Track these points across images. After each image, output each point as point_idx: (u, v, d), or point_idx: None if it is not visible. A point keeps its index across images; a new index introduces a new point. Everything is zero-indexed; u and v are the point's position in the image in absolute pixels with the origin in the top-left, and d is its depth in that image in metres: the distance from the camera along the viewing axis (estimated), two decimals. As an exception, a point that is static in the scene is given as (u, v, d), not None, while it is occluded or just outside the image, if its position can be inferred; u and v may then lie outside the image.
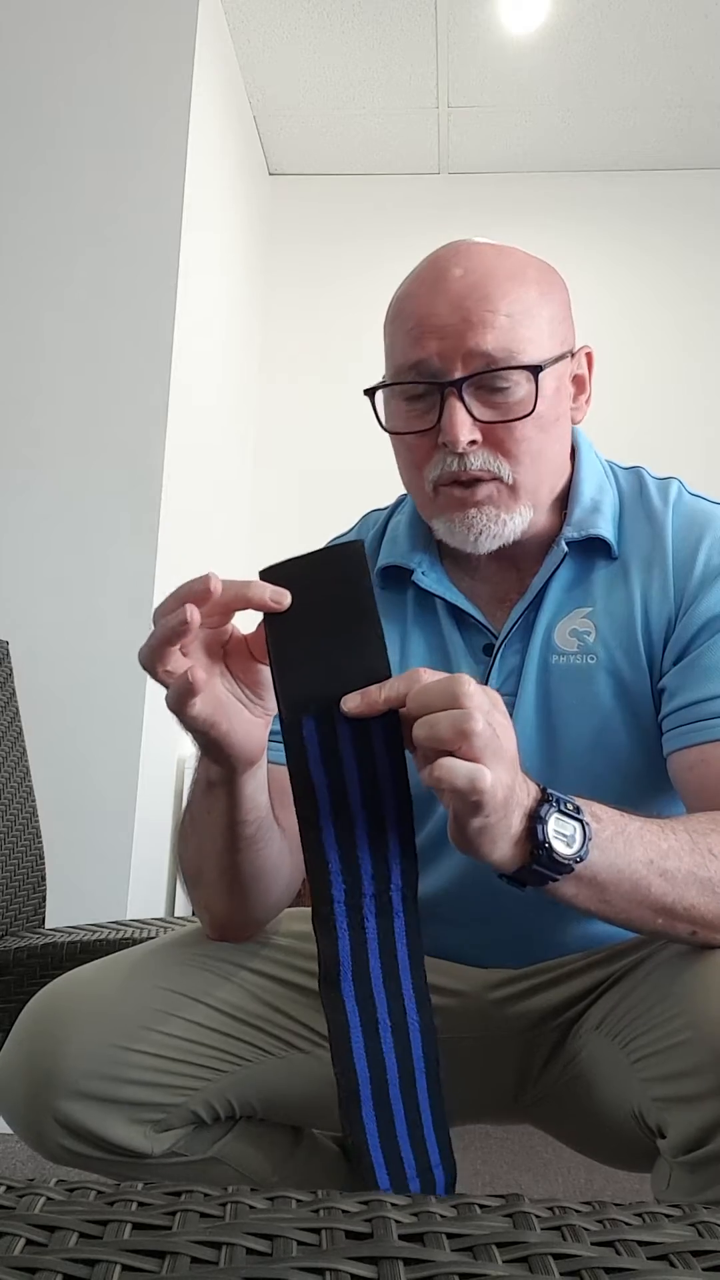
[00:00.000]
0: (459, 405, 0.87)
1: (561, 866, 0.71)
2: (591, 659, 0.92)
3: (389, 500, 1.09)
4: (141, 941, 1.38)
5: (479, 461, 0.88)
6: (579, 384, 0.96)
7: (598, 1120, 0.90)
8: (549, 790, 0.72)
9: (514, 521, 0.91)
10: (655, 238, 3.44)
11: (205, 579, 0.68)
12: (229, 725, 0.73)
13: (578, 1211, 0.36)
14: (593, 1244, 0.34)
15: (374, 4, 2.87)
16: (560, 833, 0.71)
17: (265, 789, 0.81)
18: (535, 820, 0.70)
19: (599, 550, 0.95)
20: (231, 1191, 0.36)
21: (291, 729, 0.68)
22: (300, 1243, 0.33)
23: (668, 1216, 0.36)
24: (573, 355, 0.95)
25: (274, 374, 3.50)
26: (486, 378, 0.87)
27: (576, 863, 0.71)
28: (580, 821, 0.72)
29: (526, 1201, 0.37)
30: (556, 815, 0.71)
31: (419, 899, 0.72)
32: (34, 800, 1.76)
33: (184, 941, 0.95)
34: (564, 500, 0.97)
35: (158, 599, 2.47)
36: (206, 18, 2.75)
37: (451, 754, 0.65)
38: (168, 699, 0.71)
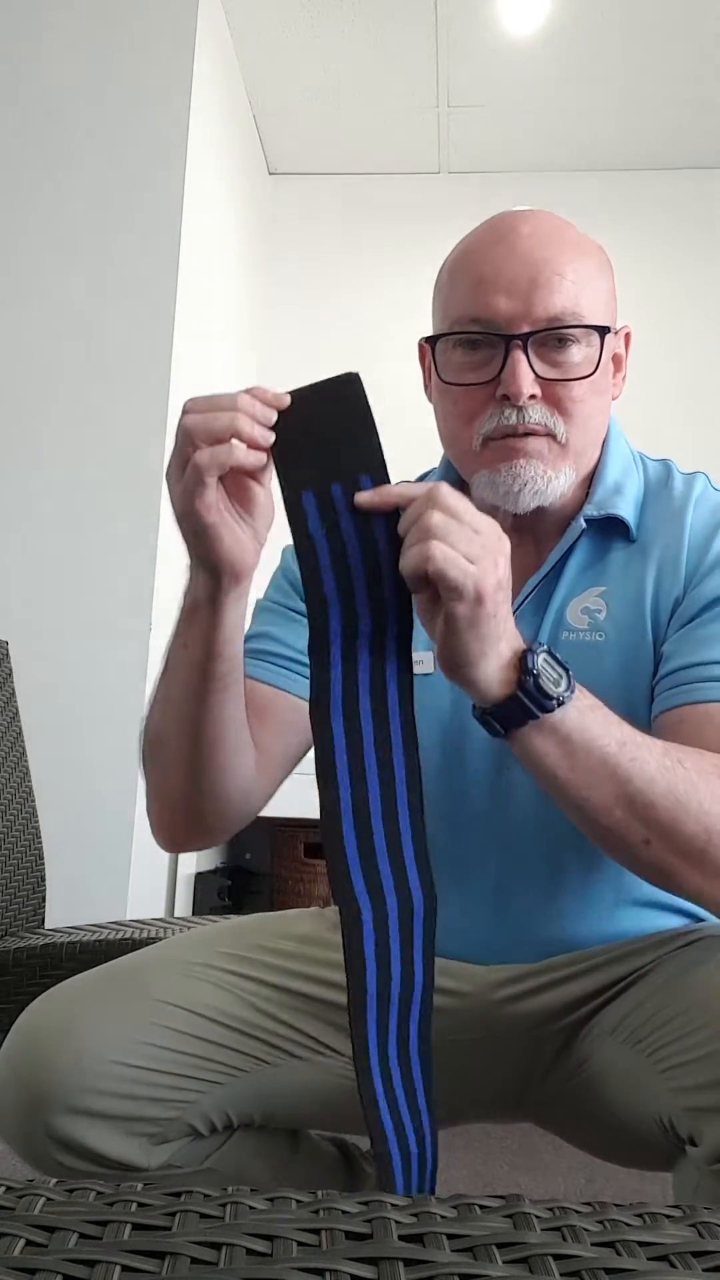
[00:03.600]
0: (523, 358, 0.88)
1: (547, 701, 0.73)
2: (600, 636, 0.93)
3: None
4: (141, 942, 1.38)
5: (536, 415, 0.89)
6: (616, 362, 0.98)
7: (612, 1124, 0.90)
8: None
9: (558, 480, 0.91)
10: (656, 237, 3.44)
11: (260, 396, 0.72)
12: (224, 523, 0.75)
13: (578, 1212, 0.36)
14: (593, 1245, 0.34)
15: (374, 4, 2.87)
16: (549, 670, 0.74)
17: (243, 626, 0.83)
18: (526, 652, 0.74)
19: (618, 531, 0.95)
20: (231, 1192, 0.36)
21: (293, 504, 0.72)
22: (300, 1243, 0.33)
23: (668, 1217, 0.36)
24: (615, 333, 0.96)
25: (274, 374, 3.49)
26: (551, 335, 0.89)
27: (560, 704, 0.73)
28: (566, 671, 0.75)
29: (527, 1202, 0.36)
30: (546, 655, 0.74)
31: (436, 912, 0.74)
32: (34, 800, 1.76)
33: (178, 951, 0.95)
34: (590, 479, 0.98)
35: (158, 599, 2.48)
36: (206, 18, 2.75)
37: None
38: (200, 460, 0.73)
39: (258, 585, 0.88)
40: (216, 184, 2.95)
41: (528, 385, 0.88)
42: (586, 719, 0.75)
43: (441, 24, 2.95)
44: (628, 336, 0.98)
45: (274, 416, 0.72)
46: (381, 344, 3.43)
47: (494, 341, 0.89)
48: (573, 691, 0.75)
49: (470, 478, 0.95)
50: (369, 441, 0.72)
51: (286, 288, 3.56)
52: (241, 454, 0.72)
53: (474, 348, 0.91)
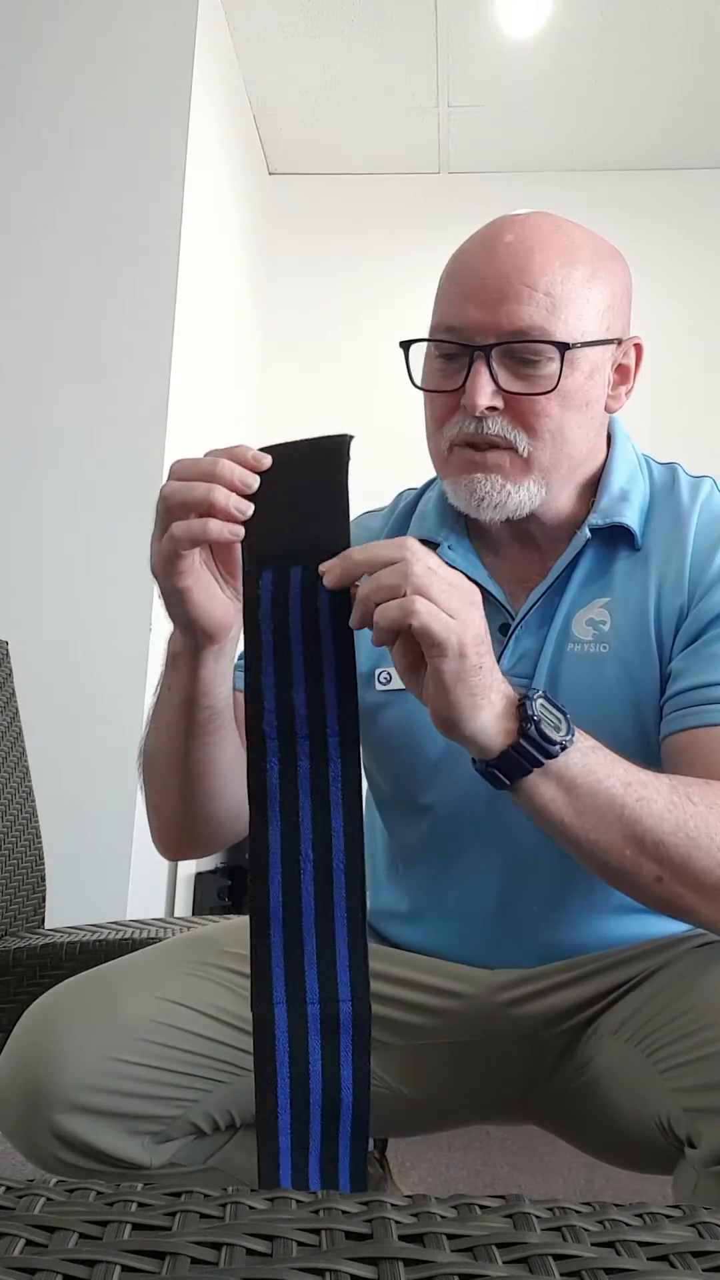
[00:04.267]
0: (484, 370, 0.87)
1: (550, 746, 0.72)
2: (604, 648, 0.92)
3: (386, 500, 1.10)
4: (141, 942, 1.38)
5: (496, 428, 0.89)
6: (622, 373, 0.96)
7: (613, 1125, 0.89)
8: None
9: (519, 494, 0.91)
10: (656, 236, 3.44)
11: (236, 464, 0.72)
12: (200, 586, 0.76)
13: (578, 1212, 0.36)
14: (593, 1245, 0.34)
15: (374, 4, 2.87)
16: (548, 715, 0.73)
17: (227, 682, 0.84)
18: (523, 699, 0.73)
19: (623, 540, 0.95)
20: (231, 1192, 0.36)
21: (250, 580, 0.71)
22: (300, 1243, 0.33)
23: (668, 1217, 0.36)
24: (619, 344, 0.94)
25: (275, 375, 3.50)
26: (517, 349, 0.88)
27: (563, 748, 0.73)
28: (564, 714, 0.75)
29: (527, 1202, 0.36)
30: (543, 700, 0.74)
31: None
32: (34, 800, 1.76)
33: (181, 949, 0.95)
34: (595, 488, 0.97)
35: (158, 600, 2.47)
36: (206, 18, 2.75)
37: None
38: (176, 532, 0.73)
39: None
40: (216, 184, 2.95)
41: (484, 398, 0.87)
42: (590, 761, 0.75)
43: (441, 24, 2.95)
44: (638, 348, 0.96)
45: (254, 482, 0.72)
46: (381, 343, 3.43)
47: (463, 350, 0.89)
48: (573, 734, 0.74)
49: (442, 483, 0.95)
50: (339, 527, 0.71)
51: (286, 287, 3.57)
52: (216, 530, 0.72)
53: (447, 356, 0.91)
